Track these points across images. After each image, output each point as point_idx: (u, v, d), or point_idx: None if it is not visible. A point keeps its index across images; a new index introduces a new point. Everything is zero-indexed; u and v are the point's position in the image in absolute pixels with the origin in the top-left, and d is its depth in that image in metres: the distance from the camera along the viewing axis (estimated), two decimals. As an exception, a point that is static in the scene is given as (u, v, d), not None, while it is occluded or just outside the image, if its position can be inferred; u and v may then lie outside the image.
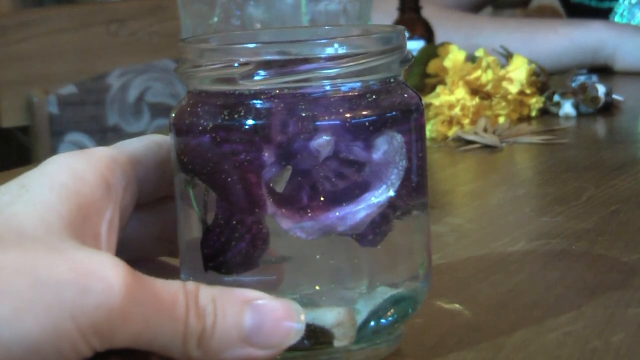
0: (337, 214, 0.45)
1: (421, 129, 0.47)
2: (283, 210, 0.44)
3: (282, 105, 0.44)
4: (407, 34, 0.49)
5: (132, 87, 2.03)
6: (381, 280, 0.47)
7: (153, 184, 0.49)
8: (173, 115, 0.47)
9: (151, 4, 2.12)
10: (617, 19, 1.67)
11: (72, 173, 0.44)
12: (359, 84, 0.45)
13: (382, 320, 0.47)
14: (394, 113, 0.46)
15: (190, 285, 0.42)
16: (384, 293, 0.46)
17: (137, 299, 0.40)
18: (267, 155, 0.44)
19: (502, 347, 0.48)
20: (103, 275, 0.40)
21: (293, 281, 0.46)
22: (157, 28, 2.10)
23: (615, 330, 0.50)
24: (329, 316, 0.45)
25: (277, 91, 0.44)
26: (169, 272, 0.51)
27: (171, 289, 0.42)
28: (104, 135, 1.93)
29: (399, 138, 0.46)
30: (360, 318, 0.46)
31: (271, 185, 0.44)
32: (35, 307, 0.38)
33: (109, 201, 0.45)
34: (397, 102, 0.46)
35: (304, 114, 0.44)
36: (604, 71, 1.43)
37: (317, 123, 0.44)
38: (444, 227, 0.70)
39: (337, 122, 0.44)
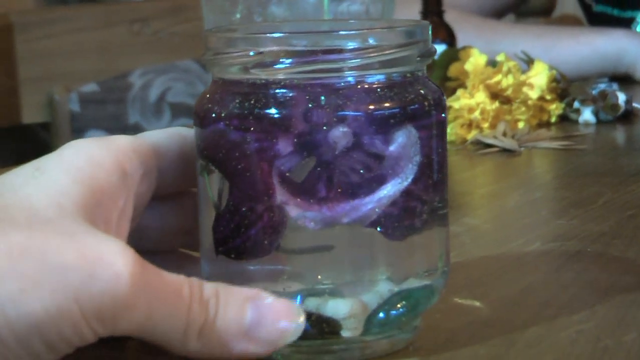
0: (347, 205, 0.45)
1: (442, 124, 0.48)
2: (294, 199, 0.45)
3: (303, 94, 0.44)
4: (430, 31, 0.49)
5: (154, 87, 2.04)
6: (399, 273, 0.47)
7: (175, 176, 0.49)
8: (196, 102, 0.48)
9: (174, 4, 2.13)
10: (639, 28, 1.67)
11: (89, 158, 0.44)
12: (381, 77, 0.46)
13: (392, 312, 0.47)
14: (416, 106, 0.46)
15: (195, 279, 0.43)
16: (400, 286, 0.47)
17: (142, 288, 0.40)
18: (282, 145, 0.44)
19: (514, 343, 0.49)
20: (111, 262, 0.40)
21: (309, 271, 0.46)
22: (179, 28, 2.11)
23: (628, 330, 0.50)
24: (340, 307, 0.46)
25: (298, 81, 0.45)
26: (189, 263, 0.52)
27: (176, 281, 0.42)
28: (124, 133, 1.94)
29: (414, 132, 0.46)
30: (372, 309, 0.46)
31: (287, 174, 0.44)
32: (41, 288, 0.39)
33: (123, 189, 0.45)
34: (419, 96, 0.46)
35: (325, 105, 0.44)
36: (625, 80, 1.43)
37: (338, 114, 0.44)
38: (461, 227, 0.71)
39: (360, 113, 0.44)
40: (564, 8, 2.58)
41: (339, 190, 0.45)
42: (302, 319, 0.44)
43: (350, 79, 0.45)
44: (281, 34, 0.47)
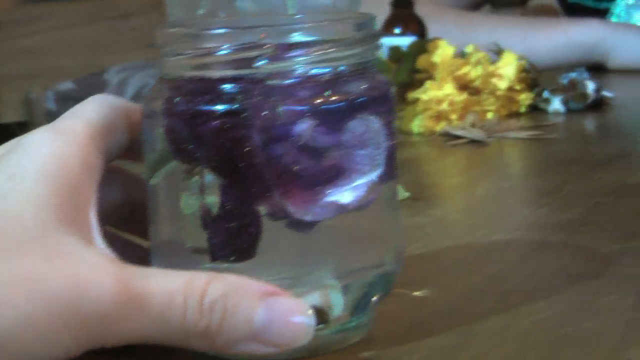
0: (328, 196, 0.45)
1: (390, 113, 0.47)
2: (293, 193, 0.44)
3: (257, 92, 0.44)
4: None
5: (131, 84, 2.03)
6: (348, 265, 0.47)
7: (115, 152, 0.49)
8: (163, 104, 0.46)
9: (154, 0, 2.13)
10: (613, 19, 1.67)
11: (59, 161, 0.44)
12: (329, 69, 0.45)
13: (365, 302, 0.47)
14: (364, 98, 0.46)
15: (198, 280, 0.42)
16: (355, 278, 0.47)
17: (127, 302, 0.41)
18: (267, 140, 0.44)
19: (474, 333, 0.49)
20: (96, 284, 0.41)
21: (260, 267, 0.46)
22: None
23: (589, 317, 0.50)
24: (309, 300, 0.45)
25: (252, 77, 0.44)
26: (133, 249, 0.51)
27: (168, 288, 0.42)
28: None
29: (375, 121, 0.46)
30: (334, 302, 0.46)
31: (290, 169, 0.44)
32: (35, 319, 0.40)
33: (92, 185, 0.45)
34: (367, 87, 0.46)
35: (276, 101, 0.44)
36: (600, 69, 1.44)
37: (286, 108, 0.44)
38: (427, 218, 0.71)
39: (306, 107, 0.44)
40: (540, -2, 2.58)
41: (311, 182, 0.44)
42: (313, 320, 0.43)
43: (299, 72, 0.45)
44: (230, 30, 0.46)
